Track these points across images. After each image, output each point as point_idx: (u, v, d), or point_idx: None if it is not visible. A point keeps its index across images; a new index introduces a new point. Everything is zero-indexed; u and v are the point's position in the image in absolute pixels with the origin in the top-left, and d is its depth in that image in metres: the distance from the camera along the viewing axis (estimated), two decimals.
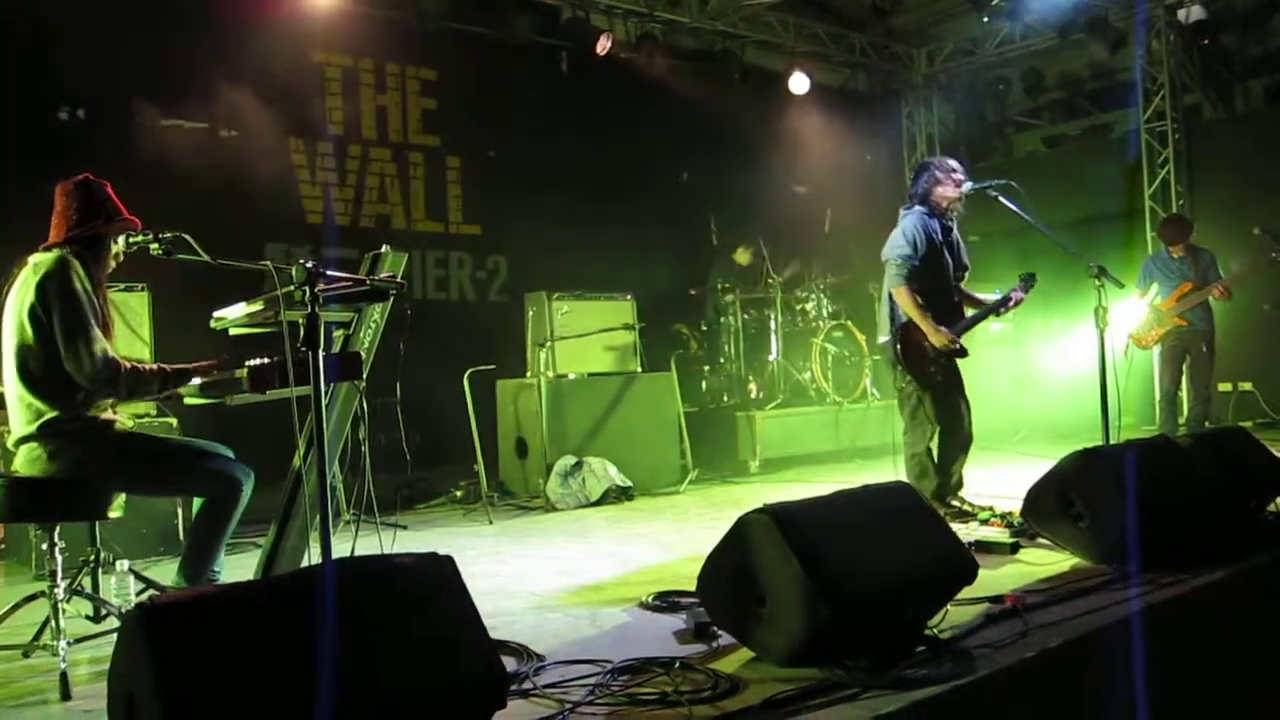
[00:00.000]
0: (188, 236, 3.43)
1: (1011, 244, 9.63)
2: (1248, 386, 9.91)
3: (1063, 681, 3.19)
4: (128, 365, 3.62)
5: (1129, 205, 11.12)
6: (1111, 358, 5.22)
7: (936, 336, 5.62)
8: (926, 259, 5.72)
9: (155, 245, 3.50)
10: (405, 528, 6.28)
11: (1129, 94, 11.27)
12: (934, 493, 5.60)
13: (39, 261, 3.64)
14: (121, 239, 3.59)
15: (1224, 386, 9.52)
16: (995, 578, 4.03)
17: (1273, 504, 4.80)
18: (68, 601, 3.61)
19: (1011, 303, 5.83)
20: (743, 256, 9.47)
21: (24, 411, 3.61)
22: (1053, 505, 4.39)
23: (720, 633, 3.35)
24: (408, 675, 2.29)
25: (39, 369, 3.58)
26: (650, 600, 4.01)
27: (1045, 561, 4.42)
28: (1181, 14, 10.35)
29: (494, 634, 2.59)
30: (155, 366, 3.72)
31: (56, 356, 3.55)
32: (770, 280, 9.17)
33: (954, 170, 5.82)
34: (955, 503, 5.72)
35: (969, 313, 5.92)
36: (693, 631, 3.49)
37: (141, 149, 7.02)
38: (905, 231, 5.73)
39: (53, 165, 4.25)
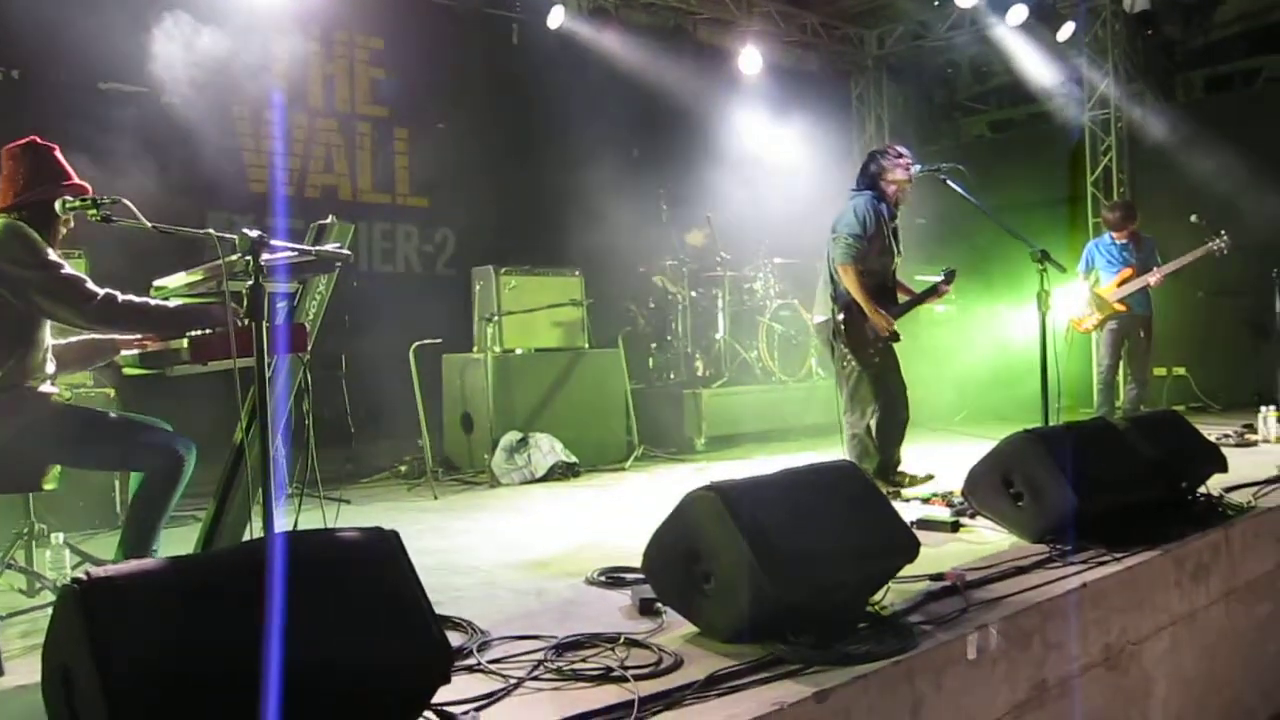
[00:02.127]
0: (127, 202, 3.34)
1: (958, 227, 9.73)
2: (1181, 371, 10.13)
3: (1000, 656, 3.24)
4: (123, 297, 3.55)
5: (1072, 191, 11.28)
6: (1052, 341, 5.31)
7: (876, 318, 5.72)
8: (874, 242, 5.79)
9: (93, 211, 3.41)
10: (349, 502, 6.22)
11: (1074, 81, 11.42)
12: (875, 472, 5.69)
13: None
14: (58, 203, 3.49)
15: (1159, 371, 9.72)
16: (937, 556, 4.09)
17: (1204, 486, 4.92)
18: (0, 575, 3.53)
19: (937, 294, 6.00)
20: (695, 238, 9.48)
21: None
22: (993, 485, 4.46)
23: (665, 609, 3.36)
24: (352, 650, 2.27)
25: None
26: (596, 576, 4.02)
27: (985, 540, 4.50)
28: (1126, 3, 10.48)
29: (439, 609, 2.57)
30: (156, 301, 3.64)
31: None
32: (720, 259, 9.19)
33: (902, 155, 5.92)
34: (896, 479, 5.83)
35: (901, 299, 6.04)
36: (638, 607, 3.50)
37: (78, 112, 6.83)
38: (857, 210, 5.80)
39: None
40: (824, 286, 5.97)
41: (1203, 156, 9.69)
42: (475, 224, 9.12)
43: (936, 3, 11.11)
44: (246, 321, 3.01)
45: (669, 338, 9.34)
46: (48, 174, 3.65)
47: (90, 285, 3.52)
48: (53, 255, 3.53)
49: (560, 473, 7.16)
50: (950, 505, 5.16)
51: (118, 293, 3.55)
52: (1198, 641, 4.28)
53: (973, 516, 4.82)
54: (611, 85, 9.68)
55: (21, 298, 3.49)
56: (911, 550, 3.42)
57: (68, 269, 3.54)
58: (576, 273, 8.23)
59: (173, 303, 3.67)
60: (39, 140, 3.73)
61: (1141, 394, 8.27)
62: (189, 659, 2.12)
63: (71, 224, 3.76)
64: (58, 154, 3.73)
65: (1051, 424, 5.04)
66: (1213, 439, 5.53)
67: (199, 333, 3.51)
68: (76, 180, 3.70)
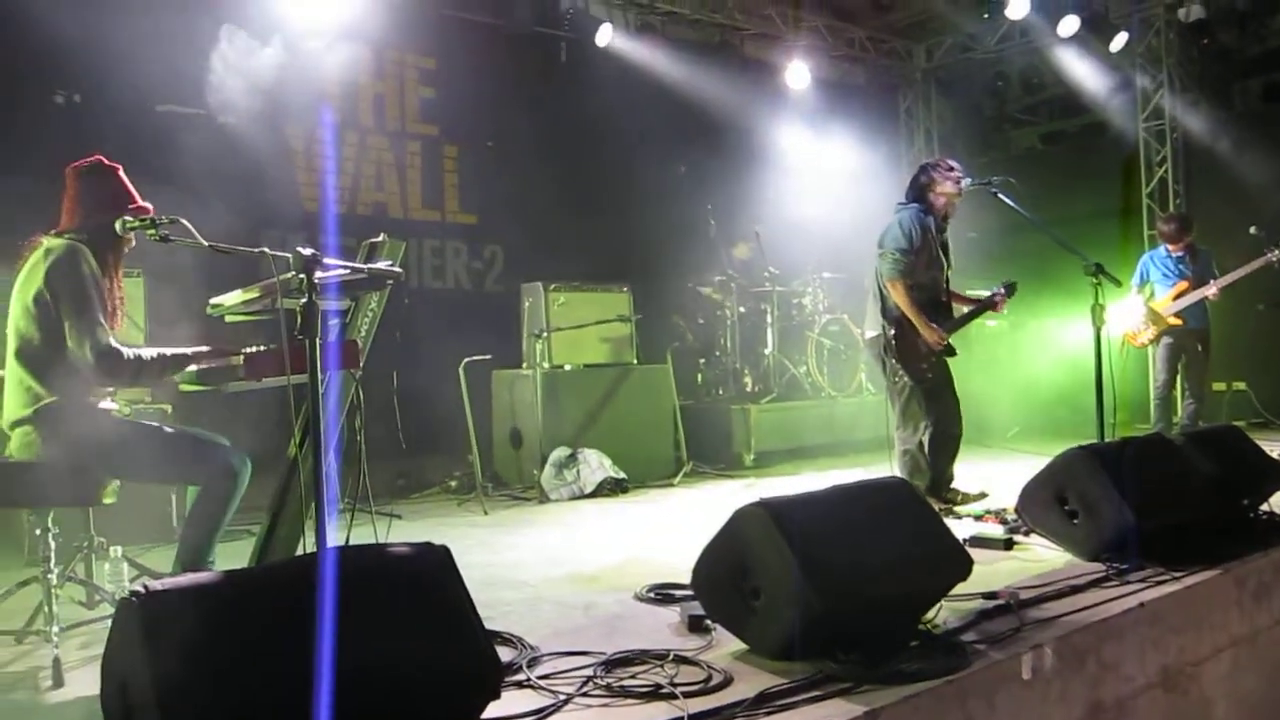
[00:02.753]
0: (185, 222, 3.41)
1: (1009, 241, 9.63)
2: (1241, 386, 9.91)
3: (1055, 677, 3.19)
4: (130, 353, 3.60)
5: (1125, 203, 11.12)
6: (1107, 355, 5.23)
7: (929, 333, 5.66)
8: (921, 255, 5.75)
9: (152, 230, 3.48)
10: (400, 517, 6.27)
11: (1127, 91, 11.27)
12: (926, 488, 5.63)
13: (50, 246, 3.62)
14: (118, 223, 3.55)
15: (1218, 386, 9.53)
16: (990, 573, 4.04)
17: (1266, 503, 4.81)
18: (61, 587, 3.60)
19: (994, 306, 5.91)
20: (742, 251, 9.47)
21: (22, 394, 3.59)
22: (1047, 502, 4.40)
23: (714, 625, 3.35)
24: (403, 664, 2.29)
25: (39, 353, 3.56)
26: (644, 592, 4.01)
27: (1039, 558, 4.43)
28: (1181, 12, 10.34)
29: (488, 623, 2.59)
30: (155, 353, 3.70)
31: (57, 341, 3.54)
32: (768, 274, 9.17)
33: (953, 168, 5.87)
34: (948, 496, 5.76)
35: (956, 312, 5.98)
36: (686, 624, 3.49)
37: (137, 134, 6.98)
38: (903, 224, 5.77)
39: (50, 149, 4.23)
40: (873, 301, 5.93)
41: (1261, 166, 9.51)
42: (524, 240, 9.18)
43: (986, 15, 11.02)
44: (300, 338, 3.04)
45: (717, 353, 9.32)
46: (111, 196, 3.72)
47: (110, 340, 3.57)
48: (94, 291, 3.58)
49: (609, 488, 7.16)
50: (1004, 522, 5.09)
51: (124, 348, 3.60)
52: (1260, 663, 4.18)
53: (1026, 534, 4.76)
54: (659, 101, 9.71)
55: (47, 319, 3.55)
56: (964, 568, 3.38)
57: (98, 313, 3.58)
58: (624, 288, 8.24)
59: (169, 351, 3.73)
60: (104, 161, 3.80)
61: (1199, 409, 8.11)
62: (243, 672, 2.15)
63: (133, 243, 3.84)
64: (121, 175, 3.80)
65: (1106, 440, 4.96)
66: (1274, 455, 5.40)
67: (254, 349, 3.57)
68: (140, 202, 3.76)
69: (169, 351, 3.72)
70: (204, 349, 3.74)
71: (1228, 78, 11.56)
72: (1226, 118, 10.81)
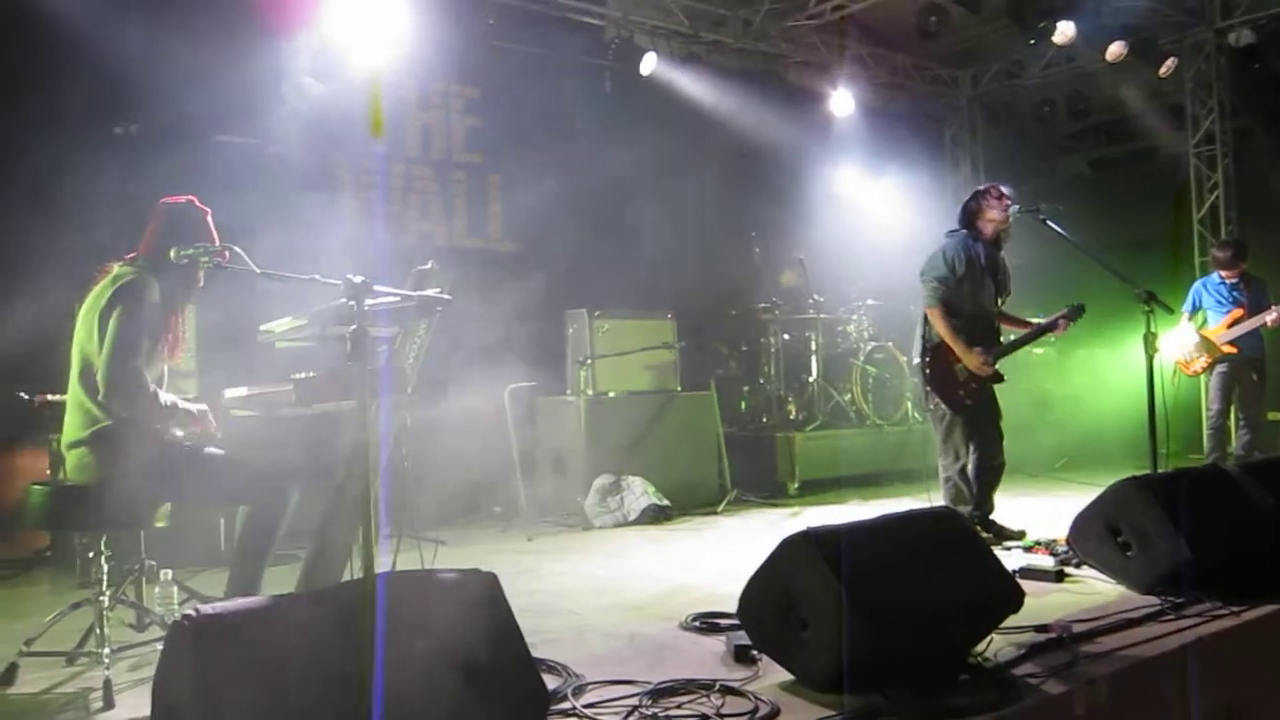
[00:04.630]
0: (238, 250, 3.47)
1: (1056, 268, 9.51)
2: None
3: (1110, 714, 3.12)
4: (153, 389, 3.65)
5: (1175, 230, 10.96)
6: (1160, 384, 5.14)
7: (969, 358, 5.61)
8: (966, 282, 5.71)
9: (205, 258, 3.54)
10: (445, 543, 6.28)
11: (1177, 117, 11.14)
12: (968, 517, 5.55)
13: (119, 274, 3.70)
14: (172, 251, 3.60)
15: (1273, 415, 9.32)
16: (1041, 606, 3.97)
17: None
18: (112, 610, 3.65)
19: (1057, 330, 5.80)
20: (789, 279, 9.45)
21: (80, 416, 3.66)
22: (1100, 534, 4.33)
23: (761, 656, 3.32)
24: (452, 692, 2.29)
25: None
26: (690, 621, 3.99)
27: (1091, 590, 4.35)
28: (1231, 37, 10.22)
29: (533, 651, 2.58)
30: (171, 400, 3.76)
31: None
32: (812, 301, 9.14)
33: (1002, 195, 5.83)
34: (987, 527, 5.68)
35: (1009, 338, 5.91)
36: (733, 654, 3.46)
37: (193, 164, 7.12)
38: (945, 252, 5.76)
39: (109, 179, 4.31)
40: (918, 329, 5.90)
41: None
42: (568, 268, 9.21)
43: (1032, 41, 10.95)
44: (350, 364, 3.07)
45: (761, 380, 9.29)
46: (193, 234, 3.76)
47: (144, 376, 3.61)
48: (146, 320, 3.63)
49: (652, 516, 7.14)
50: (1054, 554, 5.01)
51: (150, 384, 3.65)
52: None
53: (1078, 565, 4.68)
54: (703, 130, 9.74)
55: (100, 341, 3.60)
56: (1015, 600, 3.33)
57: (141, 342, 3.61)
58: (669, 315, 8.25)
59: (181, 404, 3.80)
60: (196, 202, 3.86)
61: (1254, 439, 7.94)
62: (290, 698, 2.15)
63: (201, 283, 3.89)
64: (209, 220, 3.85)
65: (1160, 470, 4.87)
66: None
67: (303, 375, 3.60)
68: (218, 245, 3.77)
69: (180, 405, 3.77)
70: (195, 410, 3.81)
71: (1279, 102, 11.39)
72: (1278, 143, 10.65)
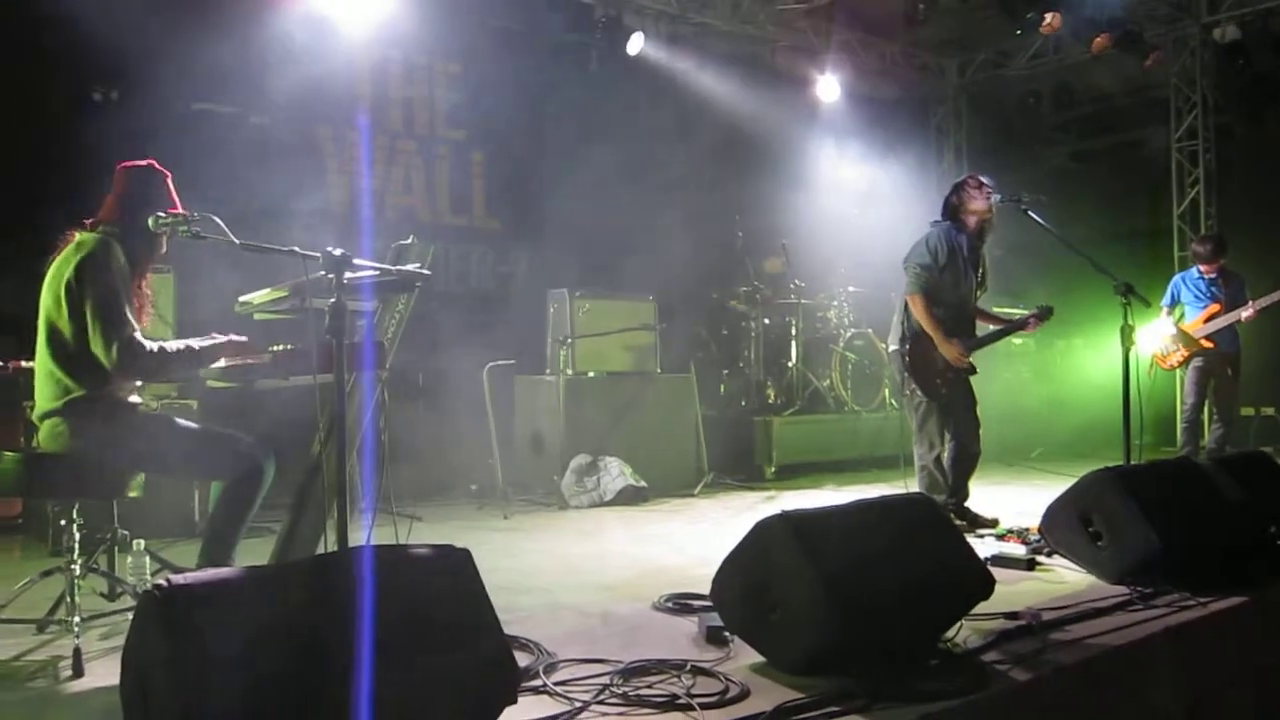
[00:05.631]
0: (217, 220, 3.43)
1: (1037, 259, 9.57)
2: (1271, 411, 9.81)
3: (1077, 701, 3.15)
4: (154, 347, 3.61)
5: (1155, 224, 11.03)
6: (1135, 377, 5.18)
7: (947, 348, 5.64)
8: (948, 272, 5.73)
9: (184, 227, 3.50)
10: (420, 519, 6.27)
11: (1160, 111, 11.19)
12: (943, 505, 5.59)
13: (83, 240, 3.65)
14: (151, 219, 3.56)
15: (1247, 410, 9.42)
16: (1012, 593, 4.00)
17: None
18: (83, 578, 3.63)
19: (1027, 328, 5.88)
20: (774, 266, 9.44)
21: (51, 386, 3.62)
22: (1072, 523, 4.37)
23: (732, 637, 3.33)
24: (422, 666, 2.29)
25: (69, 346, 3.58)
26: (663, 602, 4.00)
27: (1062, 579, 4.39)
28: (1217, 33, 10.26)
29: (506, 628, 2.58)
30: (181, 345, 3.71)
31: (86, 334, 3.55)
32: (794, 287, 9.15)
33: (983, 185, 5.85)
34: (960, 514, 5.72)
35: (982, 330, 5.95)
36: (705, 635, 3.47)
37: (172, 132, 7.04)
38: (928, 241, 5.78)
39: (86, 146, 4.27)
40: (897, 316, 5.93)
41: None
42: (550, 247, 9.20)
43: (1018, 31, 10.97)
44: (328, 337, 3.05)
45: (740, 364, 9.31)
46: (155, 198, 3.72)
47: (135, 334, 3.56)
48: (122, 287, 3.59)
49: (629, 497, 7.15)
50: (1026, 542, 5.04)
51: (147, 342, 3.60)
52: None
53: (1049, 554, 4.72)
54: (688, 111, 9.71)
55: (76, 312, 3.55)
56: (985, 587, 3.36)
57: (125, 309, 3.57)
58: (650, 297, 8.24)
59: (196, 343, 3.74)
60: (156, 165, 3.83)
61: (1227, 434, 8.01)
62: (260, 667, 2.15)
63: (164, 248, 3.86)
64: (169, 182, 3.81)
65: (1133, 462, 4.92)
66: None
67: (281, 347, 3.58)
68: (180, 209, 3.74)
69: (195, 344, 3.73)
70: (223, 341, 3.74)
71: (1263, 100, 11.45)
72: (1261, 140, 10.71)
